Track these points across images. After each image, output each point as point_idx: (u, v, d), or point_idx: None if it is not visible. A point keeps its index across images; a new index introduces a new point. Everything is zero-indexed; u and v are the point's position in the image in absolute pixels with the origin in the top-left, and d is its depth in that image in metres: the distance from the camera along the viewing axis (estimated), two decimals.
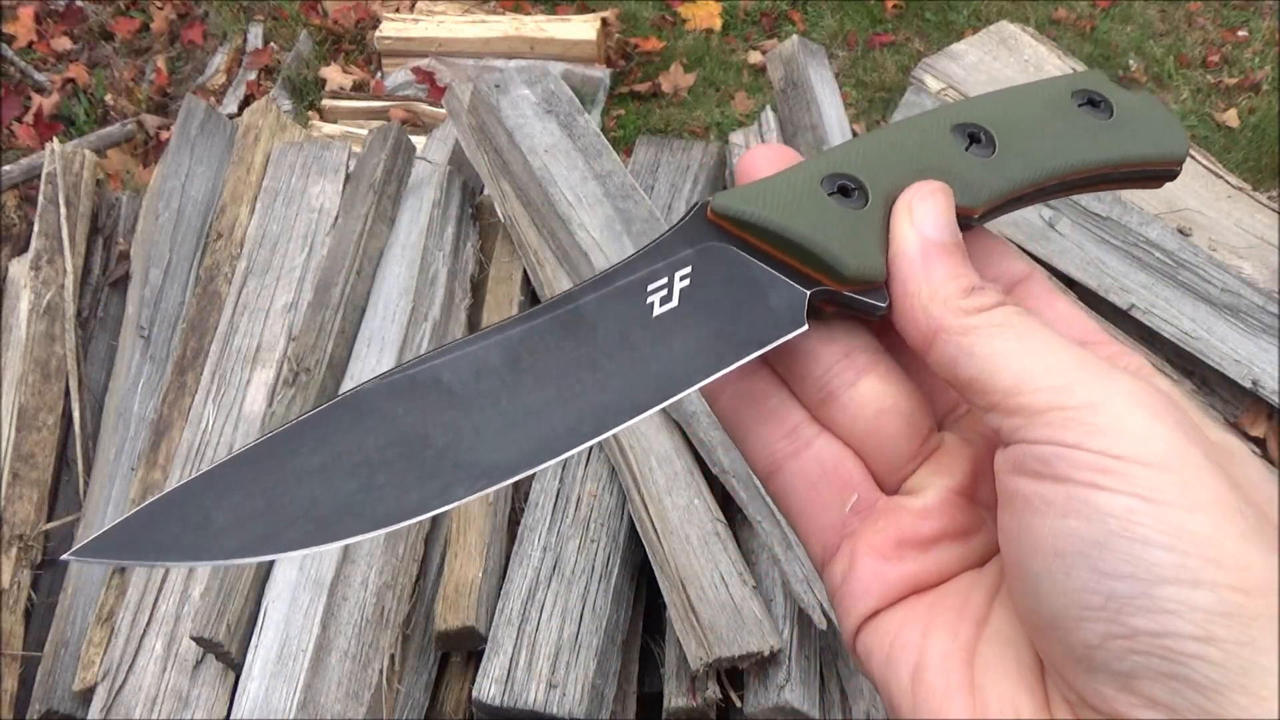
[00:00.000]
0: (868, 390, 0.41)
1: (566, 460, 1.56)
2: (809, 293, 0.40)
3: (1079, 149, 0.44)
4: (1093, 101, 0.45)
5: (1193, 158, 1.87)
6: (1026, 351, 0.36)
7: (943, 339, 0.38)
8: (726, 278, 0.41)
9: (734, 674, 1.36)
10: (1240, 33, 3.69)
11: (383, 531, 0.37)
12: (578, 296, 0.40)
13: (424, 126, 3.19)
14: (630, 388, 0.39)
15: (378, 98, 3.48)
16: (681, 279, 0.41)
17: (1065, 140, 0.44)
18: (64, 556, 0.37)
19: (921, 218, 0.41)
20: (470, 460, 0.38)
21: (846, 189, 0.42)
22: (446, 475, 0.38)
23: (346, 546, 1.46)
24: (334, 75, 3.62)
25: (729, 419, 0.44)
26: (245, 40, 3.84)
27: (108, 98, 3.63)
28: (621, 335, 0.40)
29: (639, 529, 1.45)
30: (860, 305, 0.41)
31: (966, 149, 0.43)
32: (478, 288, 1.87)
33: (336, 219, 1.91)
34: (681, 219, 0.42)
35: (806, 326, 0.40)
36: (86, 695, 1.53)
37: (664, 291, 0.41)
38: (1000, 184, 0.43)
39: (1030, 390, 0.35)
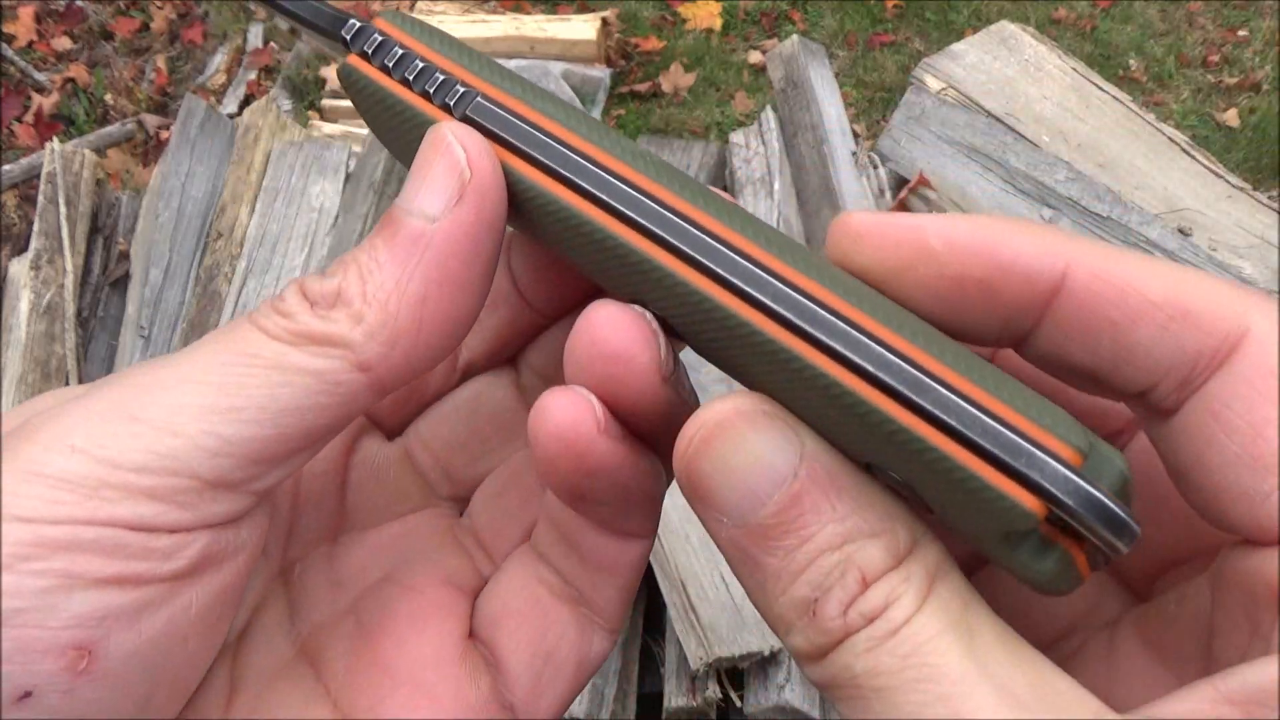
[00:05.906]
0: None
1: None
2: None
3: None
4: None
5: (1193, 157, 1.87)
6: None
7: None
8: None
9: (734, 674, 1.36)
10: (1240, 32, 3.69)
11: None
12: None
13: None
14: None
15: None
16: None
17: None
18: None
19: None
20: None
21: None
22: None
23: None
24: (334, 75, 3.62)
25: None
26: (245, 40, 3.84)
27: (108, 97, 3.63)
28: None
29: None
30: None
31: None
32: None
33: (336, 219, 1.91)
34: None
35: None
36: None
37: None
38: None
39: None
